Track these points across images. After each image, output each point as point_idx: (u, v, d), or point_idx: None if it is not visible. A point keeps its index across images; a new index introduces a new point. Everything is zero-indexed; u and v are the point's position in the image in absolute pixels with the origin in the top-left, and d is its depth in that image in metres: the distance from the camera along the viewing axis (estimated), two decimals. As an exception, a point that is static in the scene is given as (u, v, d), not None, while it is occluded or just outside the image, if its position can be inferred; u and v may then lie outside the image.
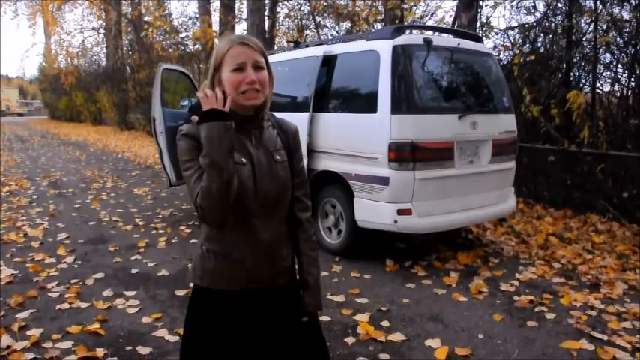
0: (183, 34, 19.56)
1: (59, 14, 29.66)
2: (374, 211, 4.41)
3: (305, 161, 4.58)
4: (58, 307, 3.70)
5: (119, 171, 10.98)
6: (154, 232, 5.85)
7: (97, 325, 3.38)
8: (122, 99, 23.28)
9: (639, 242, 5.33)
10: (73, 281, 4.22)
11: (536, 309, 3.70)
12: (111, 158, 13.40)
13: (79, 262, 4.76)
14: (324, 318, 3.47)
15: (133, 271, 4.53)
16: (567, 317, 3.56)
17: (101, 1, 23.67)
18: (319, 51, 5.10)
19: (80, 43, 29.44)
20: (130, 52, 23.53)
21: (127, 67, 23.82)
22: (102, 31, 27.61)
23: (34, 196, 7.94)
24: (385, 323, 3.44)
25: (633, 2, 6.75)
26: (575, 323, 3.47)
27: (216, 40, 13.93)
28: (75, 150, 15.69)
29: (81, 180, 9.68)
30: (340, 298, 3.86)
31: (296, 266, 1.77)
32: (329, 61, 4.97)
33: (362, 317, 3.51)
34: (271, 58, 5.43)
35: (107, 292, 3.99)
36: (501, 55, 8.19)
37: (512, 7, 8.48)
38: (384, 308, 3.70)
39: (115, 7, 22.57)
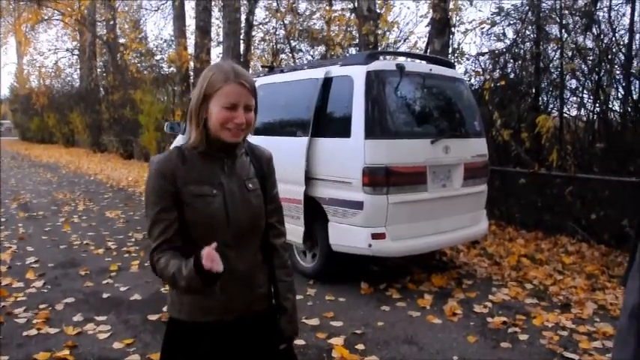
0: (158, 57, 19.56)
1: (32, 34, 29.41)
2: (348, 235, 4.43)
3: (302, 189, 4.58)
4: (25, 333, 3.61)
5: (91, 193, 10.82)
6: (126, 255, 5.77)
7: (66, 352, 3.30)
8: (95, 120, 23.04)
9: (607, 262, 5.45)
10: (41, 306, 4.12)
11: (510, 330, 3.74)
12: (83, 180, 13.20)
13: (49, 286, 4.66)
14: (299, 342, 3.45)
15: (105, 295, 4.45)
16: (540, 338, 3.61)
17: (76, 22, 23.53)
18: (320, 73, 4.86)
19: (54, 63, 29.18)
20: (104, 74, 23.39)
21: (101, 89, 23.65)
22: (76, 52, 27.41)
23: (3, 219, 7.76)
24: (360, 346, 3.44)
25: (595, 32, 7.01)
26: (548, 344, 3.52)
27: (191, 63, 13.96)
28: (46, 172, 15.41)
29: (52, 202, 9.51)
30: (315, 321, 3.85)
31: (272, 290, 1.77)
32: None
33: (337, 341, 3.51)
34: (267, 80, 5.44)
35: (77, 318, 3.91)
36: (473, 80, 8.37)
37: (482, 33, 8.71)
38: (358, 331, 3.70)
39: (90, 28, 22.48)
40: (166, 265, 1.49)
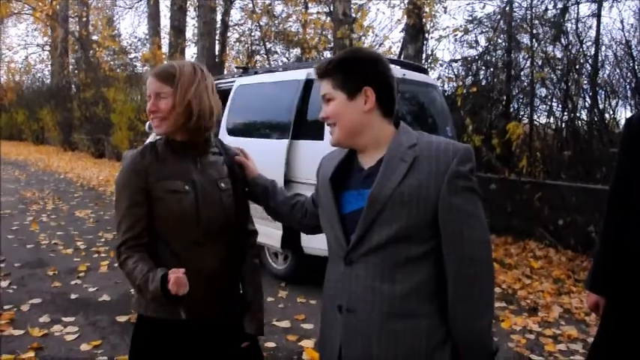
0: (132, 55, 19.32)
1: (1, 29, 28.72)
2: (319, 237, 4.40)
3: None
4: (-12, 335, 3.53)
5: (61, 192, 10.62)
6: (95, 255, 5.68)
7: (31, 354, 3.24)
8: (66, 118, 22.56)
9: (573, 267, 5.58)
10: (6, 307, 4.03)
11: (478, 333, 3.80)
12: (52, 179, 12.94)
13: (14, 286, 4.56)
14: (269, 344, 3.45)
15: (73, 296, 4.38)
16: (508, 341, 3.68)
17: (47, 17, 23.08)
18: (302, 74, 4.81)
19: (23, 59, 28.61)
20: (77, 71, 22.97)
21: (73, 86, 23.22)
22: (47, 48, 26.89)
23: (-33, 218, 7.57)
24: (330, 349, 3.45)
25: (564, 43, 7.19)
26: (516, 347, 3.59)
27: (165, 62, 13.81)
28: (14, 169, 15.04)
29: (19, 201, 9.29)
30: (286, 324, 3.86)
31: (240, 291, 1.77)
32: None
33: (307, 343, 3.52)
34: (247, 80, 5.37)
35: (44, 319, 3.83)
36: (446, 86, 8.49)
37: (456, 40, 8.84)
38: (329, 333, 3.70)
39: (62, 24, 22.05)
40: (133, 270, 1.50)
